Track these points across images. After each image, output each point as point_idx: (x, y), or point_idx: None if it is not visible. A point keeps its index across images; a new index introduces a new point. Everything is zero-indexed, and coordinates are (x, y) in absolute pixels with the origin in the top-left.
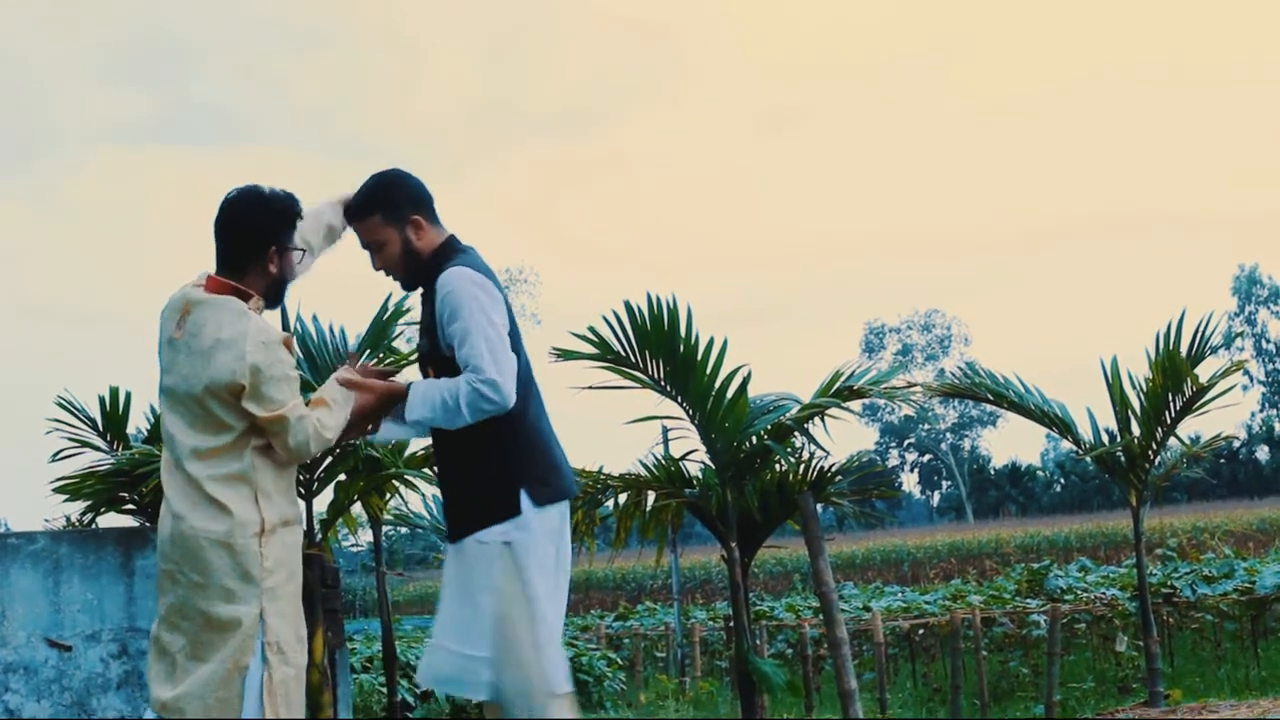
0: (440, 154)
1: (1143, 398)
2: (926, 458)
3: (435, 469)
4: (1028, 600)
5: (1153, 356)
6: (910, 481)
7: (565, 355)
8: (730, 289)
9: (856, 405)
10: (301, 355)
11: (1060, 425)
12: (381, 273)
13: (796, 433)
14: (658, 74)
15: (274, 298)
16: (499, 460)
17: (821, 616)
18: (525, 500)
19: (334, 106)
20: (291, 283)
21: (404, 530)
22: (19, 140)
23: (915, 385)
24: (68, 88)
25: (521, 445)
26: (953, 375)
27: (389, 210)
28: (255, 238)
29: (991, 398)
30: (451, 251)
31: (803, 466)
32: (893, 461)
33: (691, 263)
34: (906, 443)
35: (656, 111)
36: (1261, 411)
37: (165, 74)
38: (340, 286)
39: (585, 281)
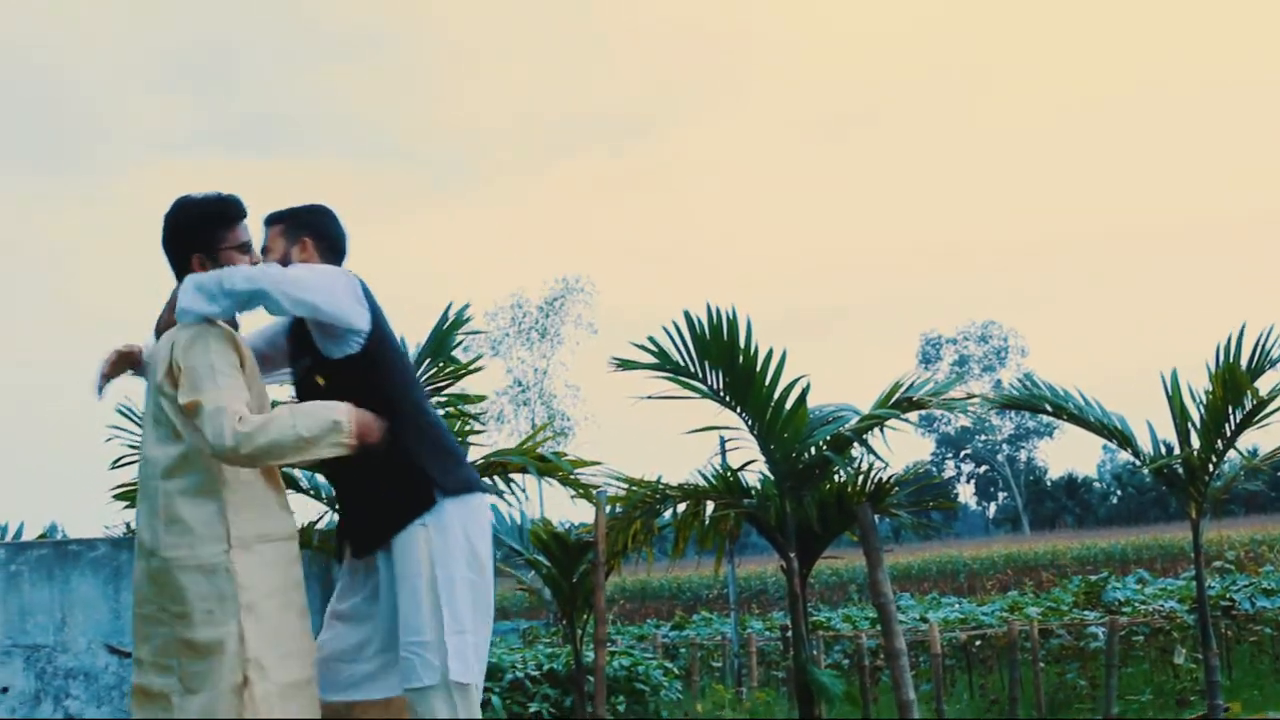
0: (493, 161)
1: (1203, 410)
2: (983, 469)
3: (336, 489)
4: (1085, 612)
5: (1213, 369)
6: (966, 493)
7: (625, 365)
8: (784, 298)
9: (914, 416)
10: None
11: (1120, 438)
12: None
13: (855, 444)
14: (711, 81)
15: None
16: (407, 458)
17: (878, 627)
18: (437, 490)
19: (383, 114)
20: None
21: None
22: (70, 148)
23: (974, 396)
24: (118, 95)
25: (425, 438)
26: (1012, 387)
27: (291, 225)
28: (176, 248)
29: (1052, 410)
30: None
31: (861, 477)
32: (949, 473)
33: (745, 271)
34: (963, 454)
35: (710, 119)
36: None
37: (214, 81)
38: (399, 296)
39: (640, 290)
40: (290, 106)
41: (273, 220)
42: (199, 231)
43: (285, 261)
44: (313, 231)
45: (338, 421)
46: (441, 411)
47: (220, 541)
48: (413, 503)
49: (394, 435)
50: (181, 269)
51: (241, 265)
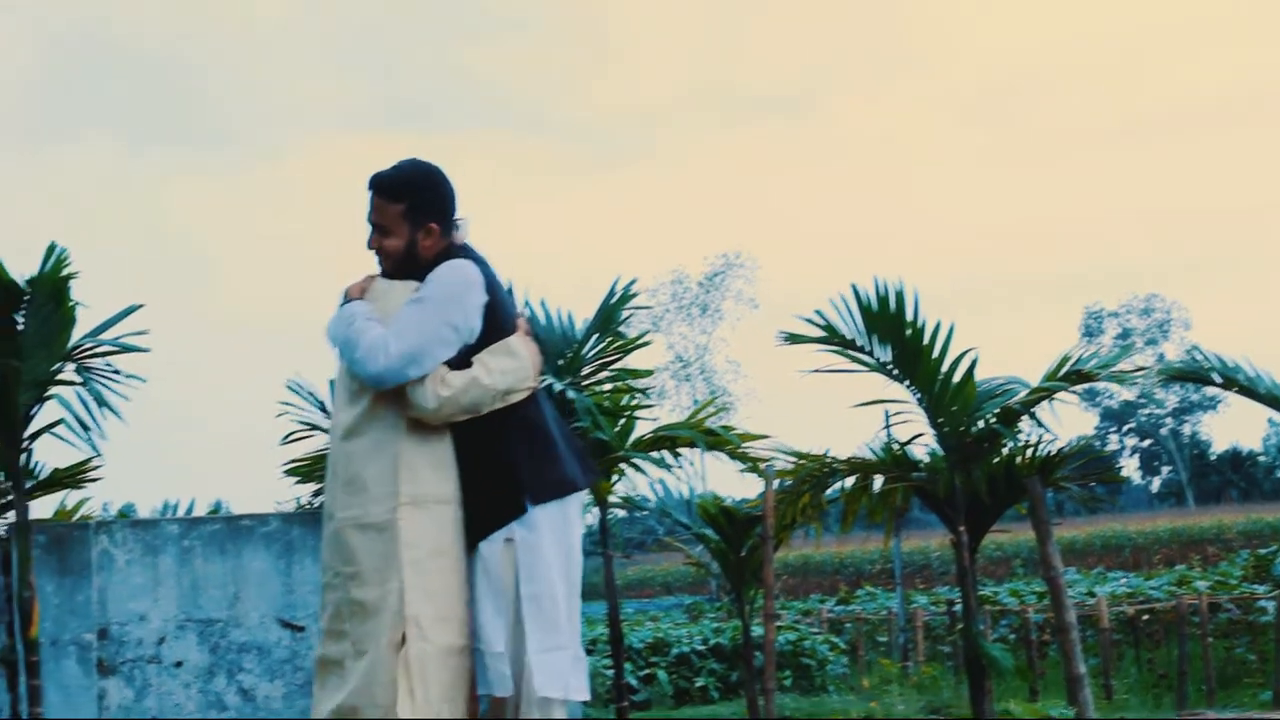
0: (650, 137)
1: None
2: (1146, 442)
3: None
4: (1254, 586)
5: None
6: (1130, 467)
7: (793, 339)
8: (941, 273)
9: (1080, 389)
10: None
11: None
12: (371, 250)
13: (1024, 416)
14: (874, 55)
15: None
16: (503, 456)
17: (1045, 601)
18: (527, 498)
19: (543, 88)
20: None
21: (620, 513)
22: (224, 128)
23: (1142, 369)
24: (271, 76)
25: (517, 442)
26: (1179, 359)
27: (416, 208)
28: (419, 205)
29: (1221, 382)
30: (454, 252)
31: (1030, 450)
32: (1112, 447)
33: (904, 245)
34: (1126, 428)
35: (872, 93)
36: None
37: (363, 61)
38: (557, 272)
39: (799, 265)
40: (448, 82)
41: (388, 193)
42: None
43: (410, 251)
44: (439, 213)
45: (527, 369)
46: (609, 386)
47: (391, 499)
48: (500, 510)
49: (494, 427)
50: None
51: (377, 332)
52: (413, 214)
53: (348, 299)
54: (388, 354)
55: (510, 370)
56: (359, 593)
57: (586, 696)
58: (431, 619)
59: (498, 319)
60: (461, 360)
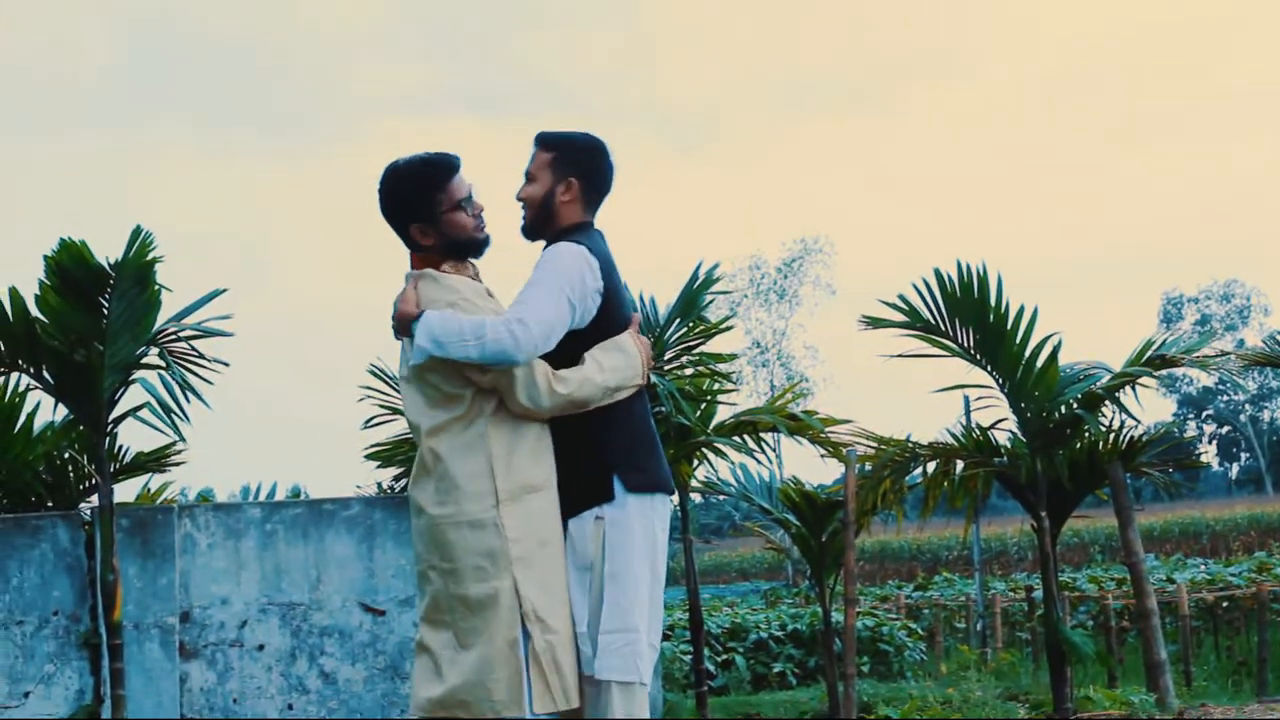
0: (725, 124)
1: None
2: (1225, 429)
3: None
4: None
5: None
6: (1208, 453)
7: (874, 323)
8: (1019, 257)
9: (1161, 374)
10: None
11: None
12: (519, 204)
13: (1106, 402)
14: (951, 41)
15: (463, 254)
16: (592, 443)
17: (1124, 588)
18: (618, 485)
19: (613, 76)
20: (469, 234)
21: (697, 499)
22: (296, 111)
23: (1226, 354)
24: (351, 57)
25: (617, 429)
26: (1265, 344)
27: (563, 160)
28: (394, 223)
29: None
30: (578, 230)
31: (1112, 436)
32: (1190, 433)
33: (981, 232)
34: (1204, 414)
35: (946, 79)
36: None
37: (434, 49)
38: (633, 257)
39: (877, 251)
40: (520, 71)
41: (544, 143)
42: (412, 200)
43: (545, 199)
44: (582, 173)
45: (637, 367)
46: (690, 370)
47: (488, 497)
48: (589, 492)
49: (587, 416)
50: (407, 239)
51: (483, 316)
52: (558, 165)
53: (403, 316)
54: (524, 326)
55: (621, 368)
56: (459, 588)
57: (646, 684)
58: (548, 608)
59: (612, 311)
60: (569, 351)
